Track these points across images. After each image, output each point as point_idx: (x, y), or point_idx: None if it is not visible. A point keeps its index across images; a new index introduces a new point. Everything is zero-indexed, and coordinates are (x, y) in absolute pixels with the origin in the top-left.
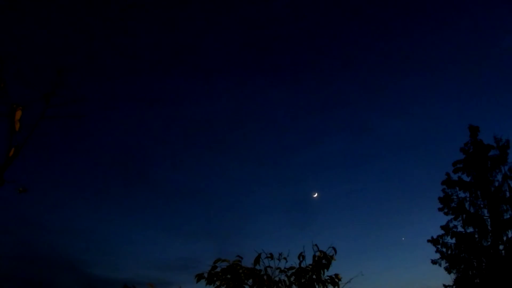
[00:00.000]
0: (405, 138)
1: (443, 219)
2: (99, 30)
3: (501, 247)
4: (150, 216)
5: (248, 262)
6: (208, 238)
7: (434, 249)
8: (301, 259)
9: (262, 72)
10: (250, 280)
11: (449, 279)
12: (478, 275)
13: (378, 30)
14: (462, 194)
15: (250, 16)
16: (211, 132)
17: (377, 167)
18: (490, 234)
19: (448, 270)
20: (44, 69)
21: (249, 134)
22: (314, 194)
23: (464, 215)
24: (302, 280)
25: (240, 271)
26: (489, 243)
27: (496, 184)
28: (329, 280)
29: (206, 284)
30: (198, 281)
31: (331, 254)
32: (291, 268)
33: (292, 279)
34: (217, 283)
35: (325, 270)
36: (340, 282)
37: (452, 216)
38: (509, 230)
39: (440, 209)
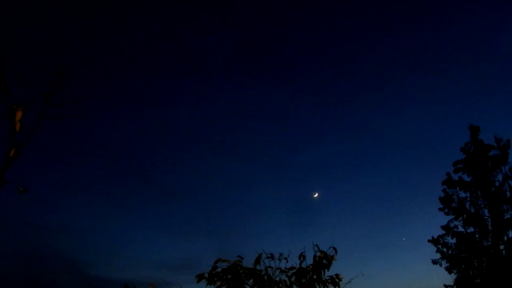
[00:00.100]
0: (405, 138)
1: (444, 219)
2: (99, 30)
3: (501, 247)
4: (150, 216)
5: (248, 262)
6: (208, 238)
7: (435, 249)
8: (301, 259)
9: (262, 72)
10: (251, 280)
11: (450, 279)
12: (478, 275)
13: (378, 30)
14: (462, 194)
15: (250, 16)
16: (211, 132)
17: (377, 167)
18: (491, 234)
19: (449, 270)
20: (44, 70)
21: (249, 134)
22: (315, 194)
23: (464, 215)
24: (303, 280)
25: (241, 271)
26: (489, 243)
27: (497, 184)
28: (329, 280)
29: (207, 284)
30: (198, 281)
31: (331, 254)
32: (292, 268)
33: (292, 279)
34: (218, 283)
35: (326, 270)
36: (340, 282)
37: (453, 216)
38: (510, 230)
39: (440, 209)
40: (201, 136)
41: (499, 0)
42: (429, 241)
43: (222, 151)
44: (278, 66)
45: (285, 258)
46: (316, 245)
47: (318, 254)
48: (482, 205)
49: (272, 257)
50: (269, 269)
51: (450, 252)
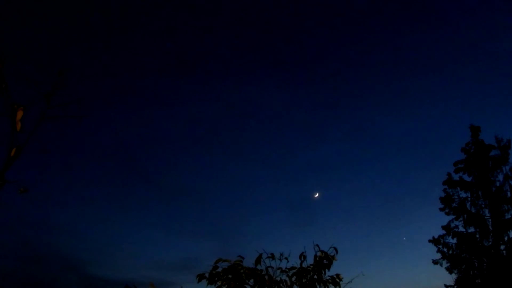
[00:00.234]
0: (406, 138)
1: (444, 219)
2: (99, 30)
3: (502, 247)
4: (150, 216)
5: (249, 262)
6: (208, 238)
7: (435, 249)
8: (302, 259)
9: (262, 72)
10: (252, 280)
11: (450, 279)
12: (479, 275)
13: (378, 30)
14: (463, 194)
15: (250, 16)
16: (211, 132)
17: (377, 167)
18: (491, 234)
19: (449, 270)
20: (45, 69)
21: (249, 134)
22: (315, 194)
23: (465, 215)
24: (303, 280)
25: (242, 271)
26: (490, 243)
27: (497, 184)
28: (330, 280)
29: (208, 284)
30: (199, 281)
31: (332, 254)
32: (292, 268)
33: (293, 279)
34: (219, 283)
35: (326, 270)
36: (341, 282)
37: (453, 216)
38: (510, 230)
39: (441, 209)
40: (201, 136)
41: (499, 0)
42: (429, 241)
43: (222, 151)
44: (278, 66)
45: (286, 258)
46: (317, 245)
47: (319, 254)
48: (483, 205)
49: (272, 257)
50: (269, 269)
51: (450, 252)
